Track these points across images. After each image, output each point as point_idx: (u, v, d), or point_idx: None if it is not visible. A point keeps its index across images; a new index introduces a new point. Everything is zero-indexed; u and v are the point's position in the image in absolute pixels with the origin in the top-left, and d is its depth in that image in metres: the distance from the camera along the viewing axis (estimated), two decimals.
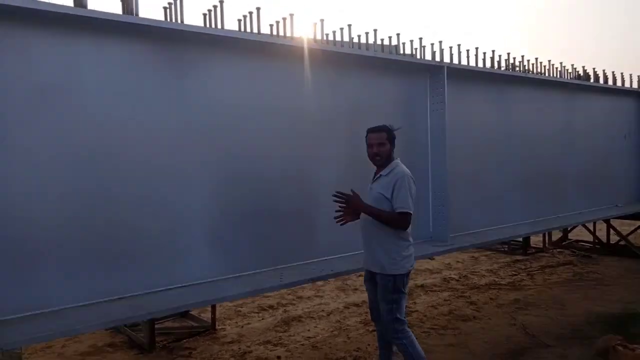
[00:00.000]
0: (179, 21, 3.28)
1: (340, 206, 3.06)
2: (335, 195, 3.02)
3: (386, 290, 3.07)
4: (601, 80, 6.88)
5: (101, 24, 2.89)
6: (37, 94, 2.76)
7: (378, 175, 3.19)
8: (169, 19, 3.29)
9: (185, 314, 4.90)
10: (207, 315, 4.82)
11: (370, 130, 3.20)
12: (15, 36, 2.69)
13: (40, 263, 2.79)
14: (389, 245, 3.07)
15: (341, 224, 3.12)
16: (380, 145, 3.13)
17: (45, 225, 2.79)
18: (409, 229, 3.11)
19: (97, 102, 2.95)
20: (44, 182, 2.78)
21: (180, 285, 3.30)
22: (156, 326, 4.38)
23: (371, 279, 3.25)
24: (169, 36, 3.18)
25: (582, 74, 6.66)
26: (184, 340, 4.41)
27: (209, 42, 3.34)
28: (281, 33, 3.84)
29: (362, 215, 3.14)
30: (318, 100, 3.93)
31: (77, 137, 2.88)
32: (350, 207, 3.06)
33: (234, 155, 3.51)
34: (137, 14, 3.19)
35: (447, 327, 4.61)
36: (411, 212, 3.02)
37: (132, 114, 3.09)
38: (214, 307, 4.67)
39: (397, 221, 3.03)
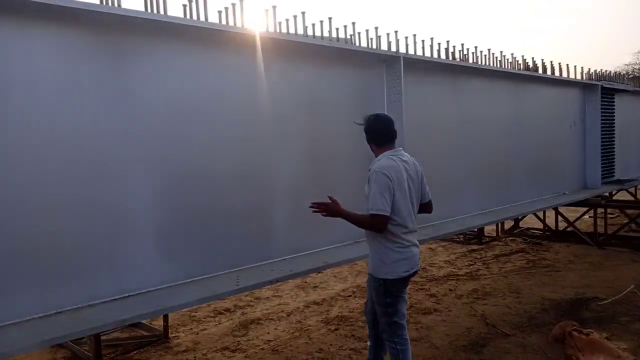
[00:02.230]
0: (117, 5, 2.98)
1: (322, 215, 2.90)
2: (311, 207, 2.86)
3: (378, 294, 2.91)
4: (548, 72, 7.07)
5: (27, 7, 2.56)
6: None
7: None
8: (104, 2, 2.99)
9: (134, 324, 4.59)
10: (158, 323, 4.54)
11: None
12: None
13: None
14: (379, 247, 2.88)
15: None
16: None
17: None
18: (406, 231, 2.89)
19: (23, 95, 2.62)
20: None
21: (127, 294, 3.03)
22: (103, 338, 4.06)
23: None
24: (106, 22, 2.88)
25: (531, 65, 6.82)
26: (134, 352, 4.13)
27: (151, 29, 3.06)
28: (230, 21, 3.61)
29: None
30: (271, 92, 3.73)
31: (2, 136, 2.55)
32: (331, 214, 2.89)
33: (181, 153, 3.25)
34: None
35: (409, 321, 4.53)
36: (383, 213, 2.74)
37: (65, 108, 2.76)
38: (166, 315, 4.40)
39: (366, 223, 2.84)
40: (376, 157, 3.00)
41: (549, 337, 3.99)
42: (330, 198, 2.91)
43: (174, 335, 4.46)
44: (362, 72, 4.49)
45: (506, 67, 6.35)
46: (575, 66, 7.54)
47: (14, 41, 2.59)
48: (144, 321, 4.65)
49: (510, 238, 8.32)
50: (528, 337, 4.06)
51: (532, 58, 6.86)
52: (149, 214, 3.13)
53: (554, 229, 8.31)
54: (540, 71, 6.94)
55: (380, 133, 3.02)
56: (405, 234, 2.87)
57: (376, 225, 2.80)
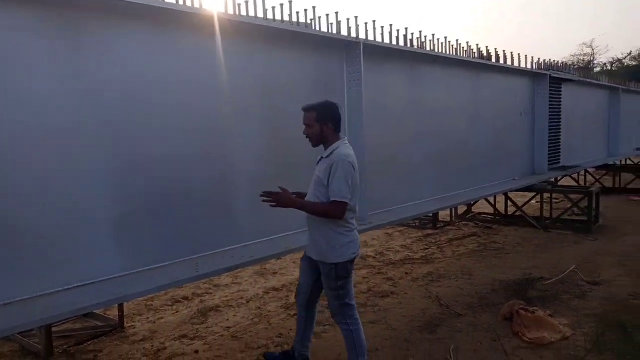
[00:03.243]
0: None
1: (270, 205, 2.88)
2: (262, 196, 2.84)
3: (330, 279, 2.96)
4: (501, 60, 7.31)
5: None
6: None
7: (320, 157, 3.04)
8: None
9: (88, 314, 4.45)
10: (113, 313, 4.42)
11: (302, 109, 3.03)
12: None
13: None
14: (328, 233, 2.92)
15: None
16: (308, 127, 3.00)
17: None
18: (352, 215, 2.98)
19: None
20: None
21: (82, 284, 2.93)
22: (54, 330, 3.92)
23: (310, 260, 3.13)
24: (56, 0, 2.72)
25: (485, 54, 7.02)
26: (88, 343, 4.00)
27: (106, 8, 2.92)
28: (189, 2, 3.50)
29: None
30: (230, 75, 3.65)
31: None
32: (282, 205, 2.88)
33: (134, 137, 3.14)
34: None
35: (366, 304, 4.67)
36: (346, 200, 2.83)
37: (10, 91, 2.61)
38: (120, 304, 4.28)
39: (330, 211, 2.87)
40: (329, 142, 3.00)
41: (498, 316, 4.20)
42: (280, 188, 2.90)
43: (129, 324, 4.36)
44: (322, 57, 4.48)
45: (462, 55, 6.52)
46: (526, 56, 7.84)
47: None
48: (97, 311, 4.51)
49: (463, 223, 8.63)
50: (479, 317, 4.25)
51: (487, 47, 7.07)
52: (103, 201, 3.03)
53: (503, 213, 8.68)
54: (493, 60, 7.17)
55: (339, 119, 3.04)
56: (352, 218, 3.00)
57: (338, 212, 2.85)
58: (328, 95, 4.51)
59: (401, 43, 5.29)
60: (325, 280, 3.01)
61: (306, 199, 3.06)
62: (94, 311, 4.45)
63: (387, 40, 5.08)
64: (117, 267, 3.11)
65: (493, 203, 8.67)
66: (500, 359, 3.50)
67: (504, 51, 7.30)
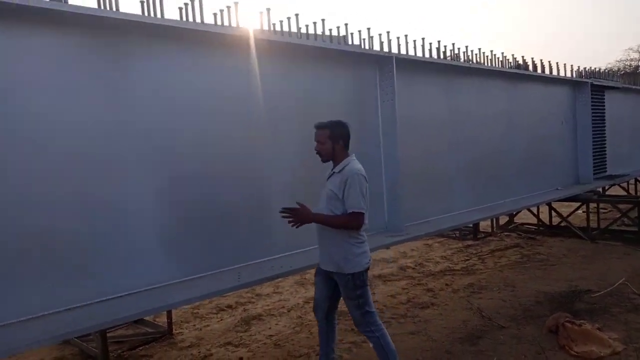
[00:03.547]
0: (114, 9, 3.06)
1: (289, 221, 2.98)
2: (281, 212, 2.96)
3: (348, 289, 3.04)
4: (539, 70, 7.20)
5: (26, 12, 2.64)
6: None
7: (332, 172, 3.14)
8: (102, 7, 3.06)
9: (139, 320, 4.68)
10: (162, 320, 4.63)
11: (315, 127, 3.15)
12: None
13: None
14: (342, 244, 3.03)
15: (296, 227, 3.03)
16: (320, 144, 3.11)
17: None
18: (364, 227, 3.08)
19: (24, 96, 2.70)
20: None
21: (131, 292, 3.13)
22: (108, 335, 4.15)
23: (324, 274, 3.20)
24: (104, 25, 2.96)
25: (521, 64, 6.94)
26: (140, 348, 4.22)
27: (148, 31, 3.15)
28: (225, 22, 3.70)
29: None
30: (266, 93, 3.82)
31: (3, 137, 2.63)
32: (299, 219, 2.98)
33: (180, 153, 3.34)
34: (66, 1, 2.93)
35: (406, 315, 4.68)
36: (363, 211, 2.96)
37: (66, 109, 2.85)
38: (169, 311, 4.49)
39: (348, 222, 2.99)
40: (339, 159, 3.13)
41: (543, 329, 4.11)
42: (299, 204, 2.99)
43: (177, 331, 4.55)
44: (355, 72, 4.60)
45: (497, 65, 6.48)
46: (565, 64, 7.69)
47: (17, 44, 2.68)
48: (148, 318, 4.74)
49: (505, 233, 8.45)
50: (523, 329, 4.18)
51: (522, 57, 6.99)
52: (152, 214, 3.23)
53: (547, 224, 8.44)
54: (530, 69, 7.07)
55: (348, 137, 3.18)
56: (364, 230, 3.11)
57: (357, 222, 2.98)
58: (362, 109, 4.64)
59: (434, 55, 5.34)
60: (344, 291, 3.09)
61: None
62: (145, 318, 4.69)
63: (419, 54, 5.14)
64: (165, 276, 3.29)
65: (536, 213, 8.46)
66: None
67: (541, 60, 7.20)
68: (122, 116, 3.08)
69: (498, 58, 6.53)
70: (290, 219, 2.97)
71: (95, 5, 3.04)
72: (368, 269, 3.11)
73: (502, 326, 4.26)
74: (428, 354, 3.79)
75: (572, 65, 7.86)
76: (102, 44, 3.00)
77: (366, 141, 4.64)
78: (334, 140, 3.09)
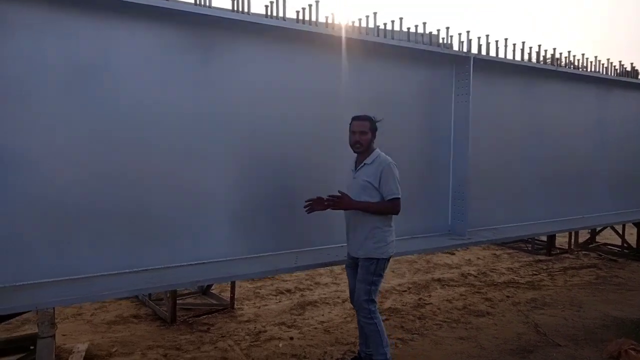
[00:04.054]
0: (208, 5, 3.42)
1: (332, 208, 3.22)
2: (327, 198, 3.20)
3: (368, 272, 3.24)
4: (639, 76, 6.65)
5: (132, 8, 3.05)
6: (73, 74, 2.96)
7: (362, 164, 3.30)
8: (197, 3, 3.43)
9: (206, 292, 5.12)
10: (226, 295, 5.02)
11: (355, 118, 3.32)
12: (56, 20, 2.89)
13: (73, 234, 3.01)
14: (376, 231, 3.23)
15: (309, 212, 3.31)
16: (362, 134, 3.26)
17: (77, 200, 3.01)
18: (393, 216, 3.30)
19: (128, 84, 3.14)
20: (77, 157, 3.00)
21: (200, 262, 3.48)
22: (178, 302, 4.60)
23: (353, 264, 3.40)
24: (197, 20, 3.32)
25: (618, 69, 6.46)
26: (203, 316, 4.63)
27: (237, 27, 3.47)
28: (306, 18, 3.93)
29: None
30: (342, 88, 4.02)
31: (106, 115, 3.08)
32: (342, 207, 3.21)
33: (257, 139, 3.65)
34: None
35: (459, 320, 4.65)
36: (400, 197, 3.22)
37: (161, 96, 3.26)
38: (233, 287, 4.86)
39: (392, 208, 3.21)
40: (370, 150, 3.32)
41: (603, 352, 3.91)
42: (340, 192, 3.21)
43: (239, 307, 4.91)
44: (431, 71, 4.62)
45: (589, 70, 6.10)
46: None
47: (122, 37, 3.10)
48: (213, 291, 5.17)
49: (584, 252, 7.93)
50: (580, 350, 4.00)
51: (620, 61, 6.50)
52: (226, 194, 3.57)
53: (634, 246, 7.79)
54: (630, 76, 6.55)
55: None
56: (393, 219, 3.32)
57: (397, 207, 3.22)
58: (435, 108, 4.65)
59: (517, 57, 5.18)
60: (362, 274, 3.25)
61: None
62: (211, 291, 5.12)
63: (501, 54, 5.02)
64: (229, 251, 3.62)
65: (621, 234, 7.83)
66: None
67: None
68: (207, 106, 3.45)
69: (591, 62, 6.15)
70: (334, 205, 3.19)
71: (192, 1, 3.42)
72: (390, 258, 3.32)
73: (558, 344, 4.10)
74: None
75: None
76: (194, 36, 3.36)
77: (436, 140, 4.67)
78: (372, 132, 3.29)
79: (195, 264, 3.47)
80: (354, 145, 3.31)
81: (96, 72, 3.03)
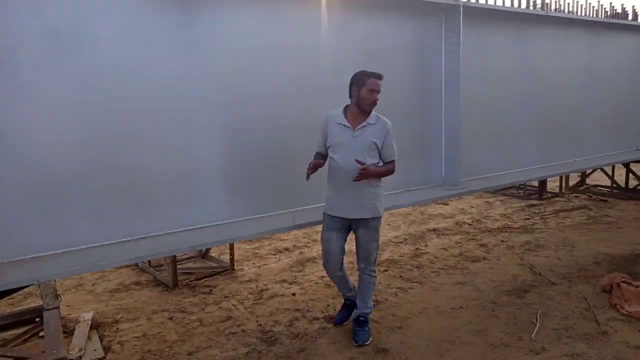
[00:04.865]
0: None
1: (357, 178, 3.06)
2: (358, 176, 3.05)
3: (376, 231, 3.33)
4: (630, 17, 6.56)
5: None
6: (50, 40, 2.82)
7: (364, 123, 3.18)
8: None
9: (205, 256, 5.17)
10: (226, 257, 5.07)
11: (373, 76, 3.16)
12: None
13: (66, 206, 2.97)
14: (376, 190, 3.28)
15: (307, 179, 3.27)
16: (379, 93, 3.19)
17: (67, 169, 2.95)
18: None
19: (109, 47, 3.01)
20: (62, 128, 2.91)
21: (197, 226, 3.48)
22: (178, 267, 4.64)
23: (341, 226, 3.32)
24: None
25: (608, 11, 6.36)
26: (205, 279, 4.69)
27: None
28: None
29: (347, 168, 3.13)
30: (330, 43, 3.91)
31: (90, 82, 2.97)
32: (368, 175, 3.10)
33: (247, 100, 3.57)
34: None
35: (456, 267, 4.76)
36: None
37: (144, 58, 3.14)
38: (232, 249, 4.91)
39: (391, 170, 3.27)
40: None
41: (596, 288, 4.04)
42: (360, 163, 3.04)
43: (239, 268, 4.98)
44: (420, 22, 4.51)
45: (579, 13, 6.00)
46: None
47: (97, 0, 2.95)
48: (213, 254, 5.21)
49: (574, 195, 8.08)
50: (574, 287, 4.13)
51: (611, 3, 6.41)
52: (219, 156, 3.53)
53: (622, 186, 7.94)
54: (620, 18, 6.46)
55: None
56: None
57: (394, 169, 3.29)
58: (425, 60, 4.57)
59: (507, 3, 5.07)
60: (370, 234, 3.31)
61: (348, 170, 3.14)
62: (210, 254, 5.17)
63: (490, 1, 4.90)
64: (227, 215, 3.61)
65: (611, 175, 7.96)
66: (591, 327, 3.42)
67: (633, 7, 6.56)
68: (192, 67, 3.33)
69: (581, 5, 6.04)
70: (361, 178, 3.08)
71: None
72: None
73: (553, 282, 4.23)
74: (472, 303, 3.90)
75: None
76: None
77: (427, 92, 4.61)
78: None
79: (193, 228, 3.46)
80: (371, 104, 3.16)
81: (74, 37, 2.89)
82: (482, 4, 4.81)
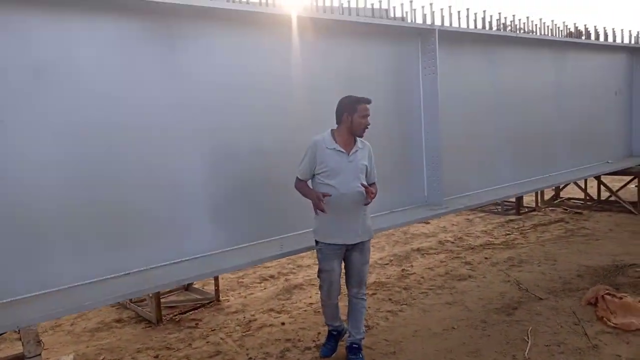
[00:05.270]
0: None
1: (367, 202, 3.21)
2: (370, 198, 3.16)
3: (369, 252, 3.37)
4: (592, 37, 6.87)
5: (90, 1, 2.86)
6: (33, 72, 2.76)
7: (355, 148, 3.22)
8: None
9: (188, 288, 5.03)
10: (210, 288, 4.95)
11: (364, 101, 3.21)
12: (9, 15, 2.67)
13: (47, 244, 2.86)
14: (367, 211, 3.32)
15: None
16: (369, 118, 3.24)
17: (48, 206, 2.85)
18: None
19: (91, 79, 2.96)
20: (44, 162, 2.82)
21: (183, 259, 3.39)
22: (162, 300, 4.50)
23: (341, 253, 3.27)
24: (156, 10, 3.15)
25: (573, 31, 6.65)
26: (190, 312, 4.55)
27: (197, 13, 3.31)
28: (270, 1, 3.82)
29: (349, 193, 3.14)
30: (310, 70, 3.94)
31: (72, 115, 2.90)
32: (374, 198, 3.20)
33: (229, 128, 3.55)
34: None
35: (443, 286, 4.77)
36: None
37: (126, 90, 3.09)
38: (217, 280, 4.79)
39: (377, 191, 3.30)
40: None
41: (582, 301, 4.10)
42: (365, 186, 3.16)
43: (224, 298, 4.85)
44: (397, 47, 4.60)
45: (546, 34, 6.24)
46: (622, 30, 7.30)
47: (81, 31, 2.91)
48: (197, 286, 5.08)
49: (550, 208, 8.27)
50: (561, 301, 4.18)
51: (575, 24, 6.71)
52: (204, 187, 3.47)
53: (595, 198, 8.18)
54: (583, 37, 6.76)
55: None
56: None
57: None
58: (403, 83, 4.66)
59: (479, 26, 5.23)
60: (365, 257, 3.33)
61: (352, 196, 3.16)
62: (194, 286, 5.03)
63: (463, 25, 5.06)
64: (213, 245, 3.54)
65: (584, 188, 8.20)
66: (582, 342, 3.45)
67: (595, 27, 6.88)
68: (176, 97, 3.30)
69: (548, 26, 6.30)
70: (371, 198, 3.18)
71: None
72: None
73: (540, 298, 4.28)
74: (463, 323, 3.89)
75: (630, 31, 7.44)
76: (157, 27, 3.18)
77: (406, 114, 4.68)
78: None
79: (179, 261, 3.37)
80: (363, 130, 3.21)
81: (57, 69, 2.83)
82: (456, 28, 4.95)
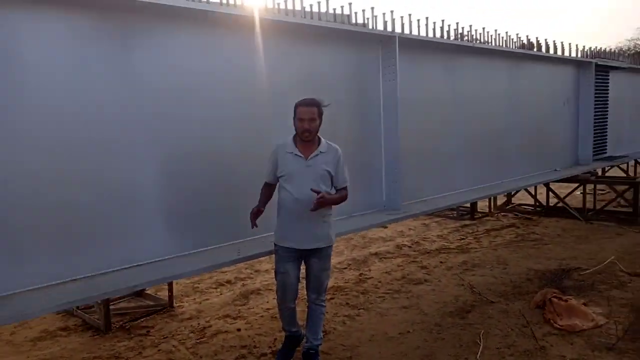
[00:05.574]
0: None
1: (313, 208, 3.02)
2: (316, 203, 2.99)
3: (329, 260, 3.30)
4: (543, 49, 7.17)
5: None
6: None
7: (316, 152, 3.16)
8: None
9: (140, 294, 4.85)
10: (163, 294, 4.79)
11: (302, 104, 3.12)
12: None
13: None
14: (328, 219, 3.25)
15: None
16: (311, 121, 3.10)
17: None
18: None
19: (35, 77, 2.78)
20: None
21: (135, 264, 3.25)
22: (111, 307, 4.31)
23: (296, 257, 3.23)
24: (110, 5, 3.02)
25: (526, 43, 6.92)
26: (141, 320, 4.38)
27: (154, 11, 3.20)
28: (231, 1, 3.74)
29: (302, 198, 3.07)
30: (269, 72, 3.87)
31: (14, 114, 2.72)
32: (324, 206, 3.08)
33: (184, 131, 3.42)
34: None
35: (400, 290, 4.83)
36: None
37: (75, 89, 2.93)
38: (170, 285, 4.64)
39: (345, 197, 3.25)
40: (317, 138, 3.24)
41: (530, 304, 4.25)
42: (316, 192, 3.01)
43: (178, 304, 4.72)
44: (358, 52, 4.62)
45: (501, 45, 6.46)
46: (570, 44, 7.67)
47: (26, 27, 2.73)
48: (149, 291, 4.91)
49: (502, 214, 8.56)
50: (511, 304, 4.32)
51: (527, 36, 6.99)
52: (156, 190, 3.33)
53: (544, 204, 8.54)
54: (535, 49, 7.05)
55: None
56: None
57: (347, 195, 3.29)
58: (363, 88, 4.68)
59: (437, 35, 5.34)
60: (323, 264, 3.27)
61: (304, 201, 3.08)
62: (147, 291, 4.86)
63: (423, 33, 5.15)
64: (167, 250, 3.41)
65: (534, 194, 8.55)
66: (530, 344, 3.57)
67: (545, 40, 7.19)
68: (127, 95, 3.14)
69: (502, 37, 6.51)
70: (319, 207, 3.03)
71: None
72: None
73: (491, 301, 4.40)
74: (418, 327, 3.94)
75: (577, 45, 7.83)
76: (109, 24, 3.04)
77: (366, 120, 4.71)
78: (320, 118, 3.17)
79: (130, 267, 3.23)
80: (302, 133, 3.10)
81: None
82: (416, 36, 5.03)
